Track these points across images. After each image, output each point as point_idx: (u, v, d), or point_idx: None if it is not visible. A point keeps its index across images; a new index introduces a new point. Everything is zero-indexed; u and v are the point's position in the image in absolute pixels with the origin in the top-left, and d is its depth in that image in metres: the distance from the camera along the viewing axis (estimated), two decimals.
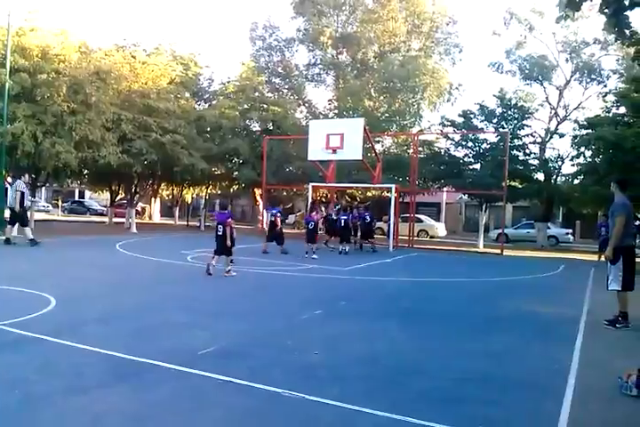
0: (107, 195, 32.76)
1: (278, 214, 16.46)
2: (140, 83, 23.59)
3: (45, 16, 21.82)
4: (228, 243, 10.63)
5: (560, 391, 4.49)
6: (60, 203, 42.89)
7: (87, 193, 50.71)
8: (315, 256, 14.80)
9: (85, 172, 25.60)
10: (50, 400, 3.84)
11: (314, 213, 16.27)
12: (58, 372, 4.47)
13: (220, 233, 10.76)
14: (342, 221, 17.03)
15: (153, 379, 4.40)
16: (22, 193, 15.32)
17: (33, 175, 21.33)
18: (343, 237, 16.92)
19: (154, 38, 67.44)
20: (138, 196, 27.16)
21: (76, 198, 50.02)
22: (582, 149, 23.23)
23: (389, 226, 19.91)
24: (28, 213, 21.94)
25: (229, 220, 10.84)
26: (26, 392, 3.96)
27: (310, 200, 20.02)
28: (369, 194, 31.30)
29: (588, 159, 22.95)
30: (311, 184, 20.85)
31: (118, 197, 30.84)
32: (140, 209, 35.12)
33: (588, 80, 26.92)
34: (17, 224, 15.21)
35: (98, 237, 16.00)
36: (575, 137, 23.96)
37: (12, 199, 15.39)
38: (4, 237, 15.13)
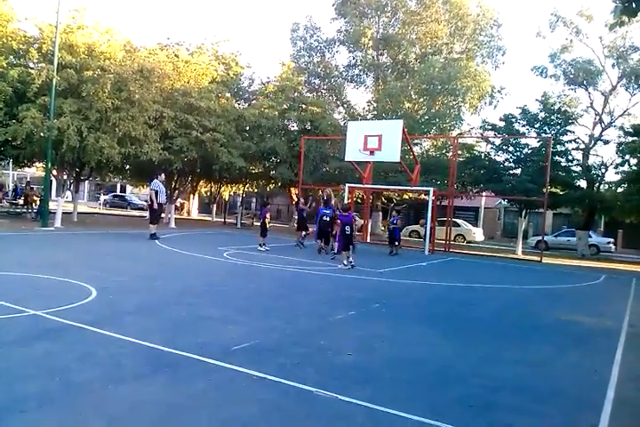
0: (147, 190, 33.44)
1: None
2: (182, 81, 23.96)
3: (92, 14, 22.33)
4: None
5: (598, 404, 4.39)
6: (102, 196, 43.92)
7: (128, 188, 51.73)
8: (264, 248, 15.38)
9: (127, 167, 26.18)
10: (89, 389, 3.95)
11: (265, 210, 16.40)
12: (97, 361, 4.58)
13: (348, 232, 12.56)
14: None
15: (188, 372, 4.48)
16: (156, 191, 16.12)
17: (77, 169, 21.92)
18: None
19: (196, 38, 68.35)
20: (177, 192, 27.62)
21: (118, 192, 51.09)
22: (627, 156, 22.69)
23: (426, 229, 19.72)
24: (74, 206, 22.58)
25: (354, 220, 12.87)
26: (66, 380, 4.08)
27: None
28: (406, 196, 31.11)
29: (633, 167, 22.38)
30: (347, 185, 20.82)
31: None
32: (178, 205, 35.70)
33: (635, 86, 26.09)
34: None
35: (138, 230, 16.33)
36: (620, 144, 23.39)
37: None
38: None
